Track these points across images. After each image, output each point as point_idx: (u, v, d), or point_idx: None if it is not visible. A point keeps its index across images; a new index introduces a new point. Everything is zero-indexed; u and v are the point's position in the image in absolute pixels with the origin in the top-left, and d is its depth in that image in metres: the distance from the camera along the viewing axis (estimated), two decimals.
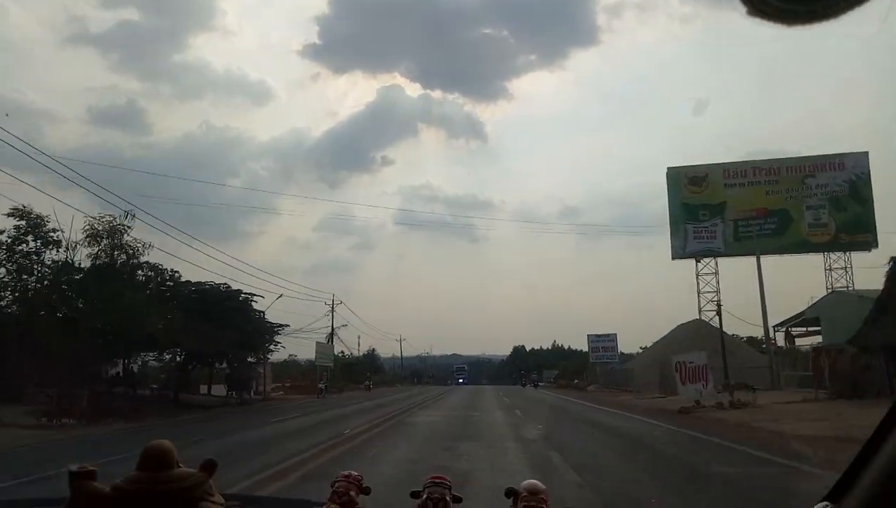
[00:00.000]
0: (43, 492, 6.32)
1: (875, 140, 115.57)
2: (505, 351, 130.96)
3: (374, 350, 74.16)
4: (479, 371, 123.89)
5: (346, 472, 1.89)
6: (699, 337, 34.85)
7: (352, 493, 1.81)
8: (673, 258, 44.89)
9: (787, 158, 43.58)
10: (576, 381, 50.80)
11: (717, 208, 43.78)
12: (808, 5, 0.91)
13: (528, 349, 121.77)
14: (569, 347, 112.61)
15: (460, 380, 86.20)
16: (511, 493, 1.71)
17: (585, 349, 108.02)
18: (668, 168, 45.56)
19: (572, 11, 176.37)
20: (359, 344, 72.23)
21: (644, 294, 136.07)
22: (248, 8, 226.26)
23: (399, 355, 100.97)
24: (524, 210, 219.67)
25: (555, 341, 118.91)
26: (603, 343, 44.95)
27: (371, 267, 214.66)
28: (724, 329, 39.59)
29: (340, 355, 65.64)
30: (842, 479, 1.42)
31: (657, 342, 42.92)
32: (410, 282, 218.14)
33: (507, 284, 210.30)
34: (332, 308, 48.55)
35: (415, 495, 1.78)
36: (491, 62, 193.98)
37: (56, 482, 5.23)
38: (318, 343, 45.53)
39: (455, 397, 33.07)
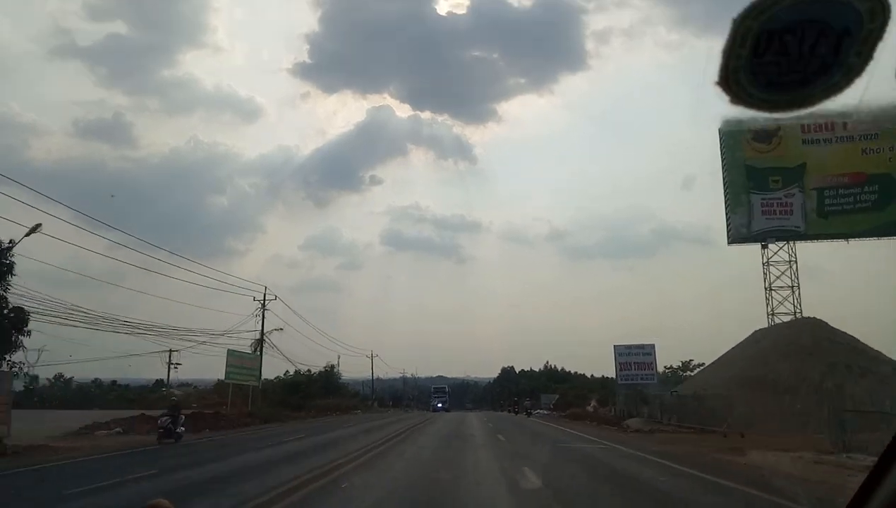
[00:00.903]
0: None
1: None
2: (492, 373, 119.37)
3: (333, 366, 60.62)
4: (463, 394, 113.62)
5: None
6: (816, 344, 22.33)
7: None
8: (730, 242, 32.96)
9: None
10: (592, 407, 37.79)
11: (795, 173, 31.94)
12: (788, 96, 0.97)
13: (517, 370, 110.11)
14: (562, 369, 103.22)
15: (439, 405, 71.43)
16: None
17: (580, 371, 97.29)
18: (724, 120, 32.82)
19: (562, 36, 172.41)
20: (338, 362, 59.67)
21: (648, 309, 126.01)
22: (238, 25, 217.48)
23: (391, 374, 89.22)
24: (512, 231, 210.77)
25: (547, 362, 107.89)
26: (634, 357, 32.27)
27: (357, 287, 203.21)
28: (844, 332, 26.55)
29: (303, 372, 53.21)
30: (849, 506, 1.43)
31: (724, 356, 30.32)
32: (396, 303, 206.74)
33: (494, 305, 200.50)
34: (263, 305, 34.88)
35: None
36: (481, 84, 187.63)
37: None
38: (230, 351, 31.42)
39: (416, 453, 17.52)
